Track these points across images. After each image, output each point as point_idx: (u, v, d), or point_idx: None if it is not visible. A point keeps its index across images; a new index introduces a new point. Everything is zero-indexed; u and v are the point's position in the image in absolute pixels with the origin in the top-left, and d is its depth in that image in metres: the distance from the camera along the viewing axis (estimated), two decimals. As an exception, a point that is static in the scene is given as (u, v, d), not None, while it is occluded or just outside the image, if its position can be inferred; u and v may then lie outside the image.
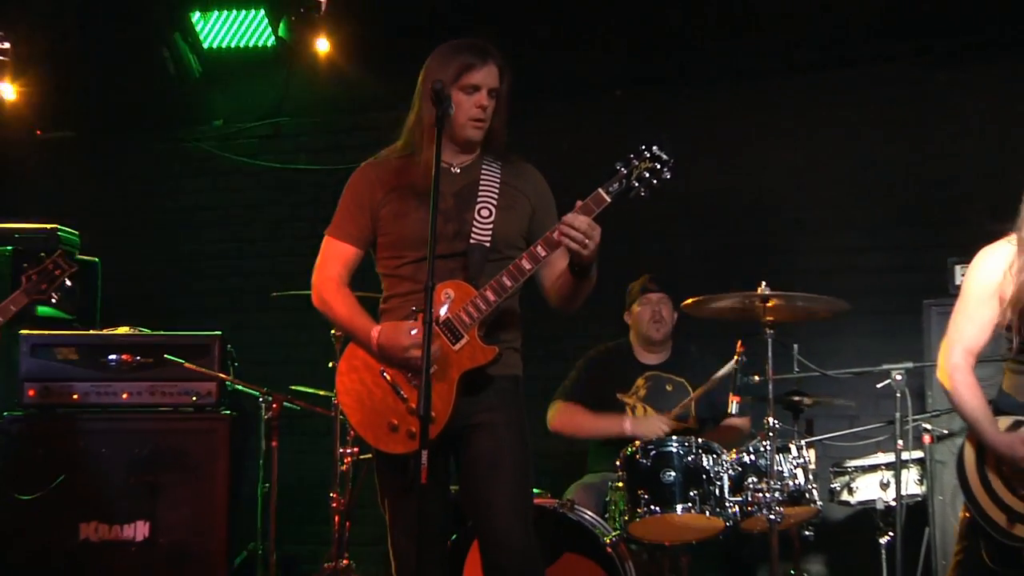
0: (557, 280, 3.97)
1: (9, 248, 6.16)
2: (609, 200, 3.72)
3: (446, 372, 3.78)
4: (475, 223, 3.92)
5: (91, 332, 6.30)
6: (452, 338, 3.79)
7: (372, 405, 3.90)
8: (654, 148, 3.77)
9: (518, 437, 3.94)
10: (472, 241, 3.90)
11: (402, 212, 3.92)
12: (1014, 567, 4.06)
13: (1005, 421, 4.08)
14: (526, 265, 3.77)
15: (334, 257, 4.04)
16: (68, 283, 4.91)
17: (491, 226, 3.92)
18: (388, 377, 3.87)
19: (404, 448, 3.78)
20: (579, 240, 3.62)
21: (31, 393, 6.00)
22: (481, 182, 3.98)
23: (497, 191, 3.97)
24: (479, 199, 3.95)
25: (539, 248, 3.76)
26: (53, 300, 4.94)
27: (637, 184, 3.76)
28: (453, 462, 3.99)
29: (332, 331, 5.86)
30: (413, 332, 3.75)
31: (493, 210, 3.94)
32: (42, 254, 4.80)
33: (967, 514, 4.20)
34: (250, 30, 7.53)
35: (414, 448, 3.55)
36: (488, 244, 3.90)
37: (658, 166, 3.76)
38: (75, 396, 6.02)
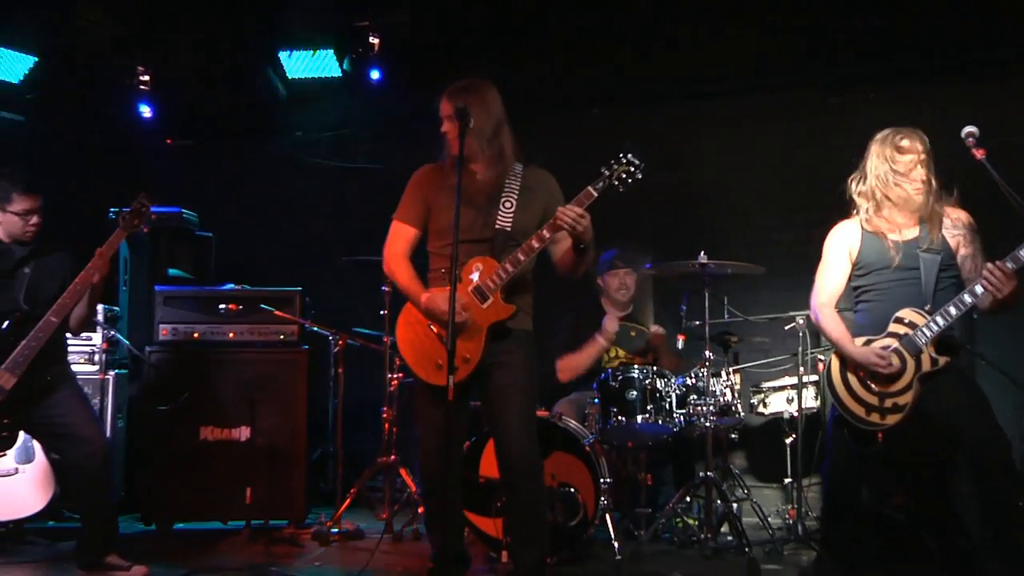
0: (563, 256, 4.05)
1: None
2: (596, 195, 3.82)
3: (477, 325, 3.88)
4: (500, 214, 3.95)
5: (207, 288, 6.28)
6: (481, 299, 3.89)
7: (423, 350, 3.98)
8: (629, 155, 3.87)
9: (529, 373, 3.99)
10: (497, 227, 3.94)
11: (446, 206, 3.91)
12: (870, 444, 4.19)
13: (860, 340, 4.22)
14: (535, 243, 3.86)
15: (399, 236, 4.09)
16: (152, 217, 4.74)
17: (512, 216, 3.95)
18: (434, 330, 3.95)
19: (445, 381, 3.74)
20: (570, 223, 3.74)
21: (164, 333, 6.02)
22: (506, 184, 4.00)
23: (517, 192, 4.00)
24: (503, 196, 3.98)
25: (544, 231, 3.86)
26: (144, 230, 4.74)
27: (616, 183, 3.86)
28: (477, 388, 4.02)
29: (383, 286, 5.82)
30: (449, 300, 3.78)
31: (514, 203, 3.98)
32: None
33: (834, 412, 4.31)
34: (322, 64, 7.43)
35: (455, 381, 3.69)
36: (509, 230, 3.94)
37: (632, 169, 3.86)
38: (196, 335, 6.03)
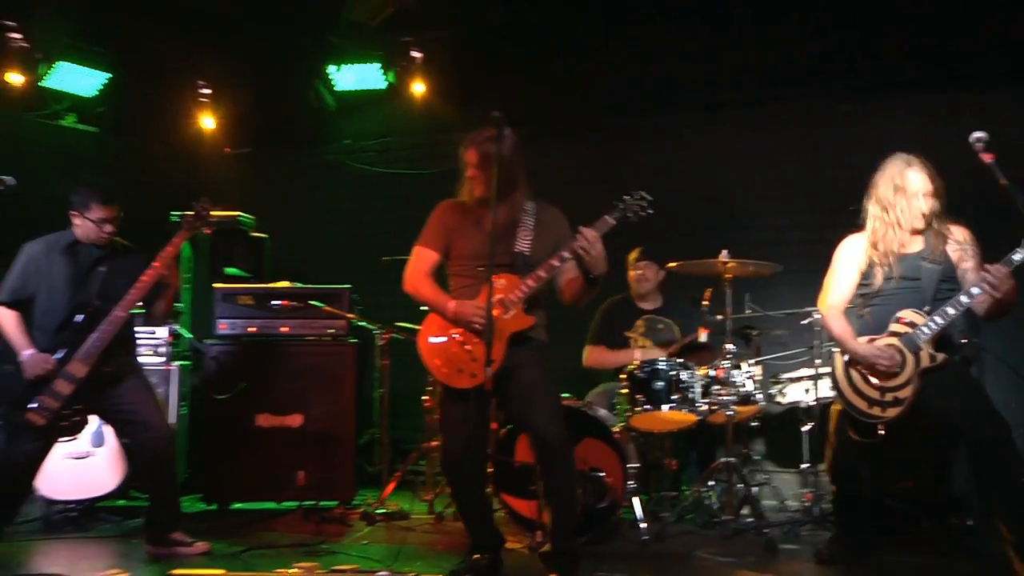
0: (568, 283, 4.17)
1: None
2: (613, 223, 3.99)
3: (501, 333, 3.95)
4: (519, 241, 4.11)
5: (261, 285, 6.29)
6: (504, 310, 3.99)
7: (446, 357, 4.05)
8: (641, 192, 4.04)
9: (548, 374, 4.10)
10: (516, 251, 4.09)
11: (470, 236, 4.10)
12: (871, 436, 4.22)
13: (863, 339, 4.26)
14: (555, 263, 4.00)
15: (421, 259, 4.20)
16: (212, 219, 4.82)
17: (530, 242, 4.11)
18: (458, 337, 4.03)
19: (467, 384, 3.96)
20: (585, 245, 3.87)
21: (222, 327, 6.07)
22: (522, 218, 4.15)
23: (532, 223, 4.15)
24: (520, 227, 4.13)
25: (564, 252, 3.97)
26: (205, 232, 4.85)
27: (630, 215, 4.03)
28: (499, 391, 3.98)
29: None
30: (476, 306, 3.94)
31: (531, 232, 4.13)
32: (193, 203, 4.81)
33: (838, 407, 4.35)
34: (368, 77, 7.51)
35: (473, 384, 3.90)
36: (528, 253, 4.09)
37: (644, 204, 4.04)
38: (252, 329, 6.06)
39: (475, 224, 4.08)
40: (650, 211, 4.04)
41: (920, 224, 4.23)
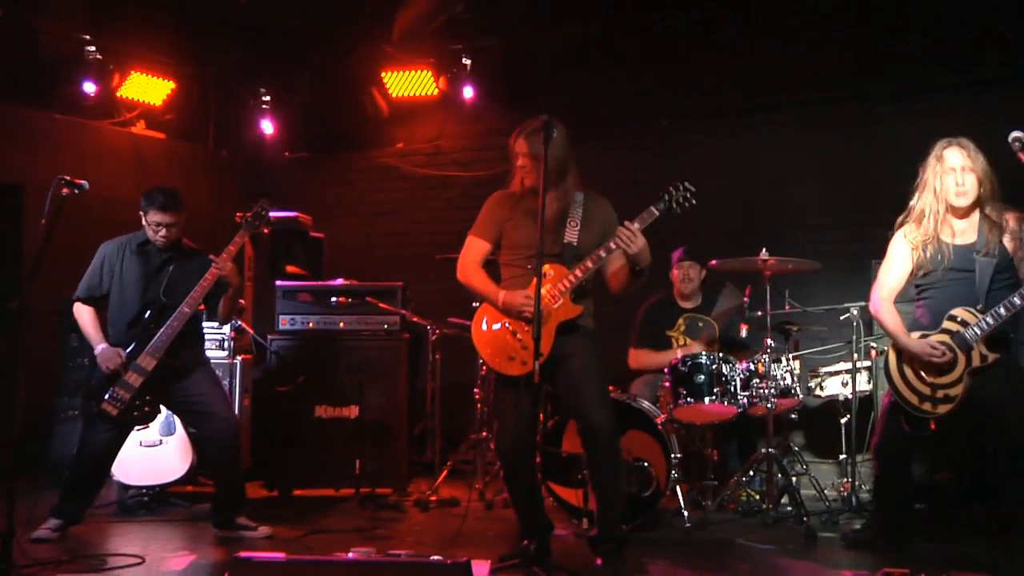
0: (615, 273, 4.12)
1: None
2: (657, 214, 3.94)
3: (549, 321, 3.93)
4: (567, 232, 4.05)
5: (320, 283, 6.31)
6: (552, 300, 3.96)
7: (497, 345, 4.05)
8: (686, 183, 3.96)
9: (597, 362, 4.06)
10: (565, 242, 4.04)
11: (521, 226, 4.07)
12: (923, 430, 4.18)
13: (916, 334, 4.22)
14: (601, 253, 3.95)
15: (473, 249, 4.18)
16: (271, 220, 4.84)
17: (577, 234, 4.06)
18: (508, 326, 4.02)
19: (518, 371, 3.94)
20: (626, 237, 3.84)
21: (283, 322, 6.11)
22: (571, 210, 4.09)
23: (581, 215, 4.09)
24: (569, 218, 4.08)
25: (611, 243, 3.92)
26: (264, 232, 4.85)
27: (675, 206, 3.96)
28: (549, 377, 3.98)
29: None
30: (525, 296, 3.93)
31: (579, 223, 4.08)
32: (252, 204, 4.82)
33: (890, 399, 4.31)
34: (420, 84, 7.57)
35: (524, 372, 3.87)
36: (576, 244, 4.04)
37: (688, 195, 3.96)
38: (311, 324, 6.09)
39: (525, 214, 4.04)
40: (694, 201, 3.95)
41: (960, 200, 4.13)
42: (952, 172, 4.13)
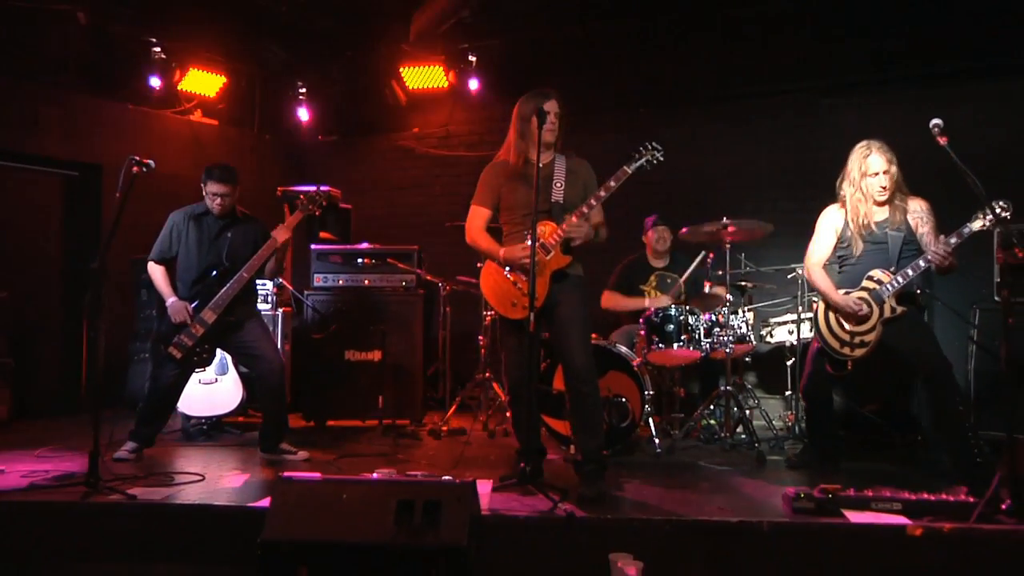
0: (596, 226, 4.02)
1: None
2: (629, 172, 3.89)
3: (542, 271, 3.89)
4: (554, 191, 3.95)
5: (348, 246, 6.25)
6: (545, 252, 3.89)
7: (500, 293, 4.01)
8: (653, 143, 3.96)
9: (583, 310, 3.98)
10: (553, 200, 3.94)
11: (515, 189, 3.99)
12: (842, 370, 4.27)
13: (842, 291, 4.29)
14: (584, 209, 3.88)
15: (477, 216, 4.10)
16: (324, 204, 4.85)
17: (563, 192, 3.96)
18: (510, 276, 3.99)
19: (520, 315, 3.91)
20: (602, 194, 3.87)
21: (318, 280, 6.09)
22: (555, 170, 4.00)
23: (565, 175, 4.00)
24: (554, 178, 3.98)
25: (591, 200, 3.89)
26: (317, 213, 4.84)
27: (645, 163, 3.93)
28: (545, 321, 3.98)
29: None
30: (523, 248, 3.88)
31: (563, 183, 3.98)
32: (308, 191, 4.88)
33: (816, 344, 4.37)
34: (433, 78, 7.50)
35: (524, 316, 3.85)
36: (562, 202, 3.95)
37: (657, 153, 3.95)
38: (340, 282, 6.06)
39: (518, 178, 3.96)
40: (661, 158, 3.92)
41: (881, 197, 4.23)
42: (876, 176, 4.21)
